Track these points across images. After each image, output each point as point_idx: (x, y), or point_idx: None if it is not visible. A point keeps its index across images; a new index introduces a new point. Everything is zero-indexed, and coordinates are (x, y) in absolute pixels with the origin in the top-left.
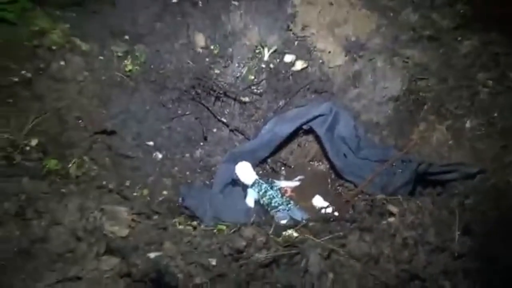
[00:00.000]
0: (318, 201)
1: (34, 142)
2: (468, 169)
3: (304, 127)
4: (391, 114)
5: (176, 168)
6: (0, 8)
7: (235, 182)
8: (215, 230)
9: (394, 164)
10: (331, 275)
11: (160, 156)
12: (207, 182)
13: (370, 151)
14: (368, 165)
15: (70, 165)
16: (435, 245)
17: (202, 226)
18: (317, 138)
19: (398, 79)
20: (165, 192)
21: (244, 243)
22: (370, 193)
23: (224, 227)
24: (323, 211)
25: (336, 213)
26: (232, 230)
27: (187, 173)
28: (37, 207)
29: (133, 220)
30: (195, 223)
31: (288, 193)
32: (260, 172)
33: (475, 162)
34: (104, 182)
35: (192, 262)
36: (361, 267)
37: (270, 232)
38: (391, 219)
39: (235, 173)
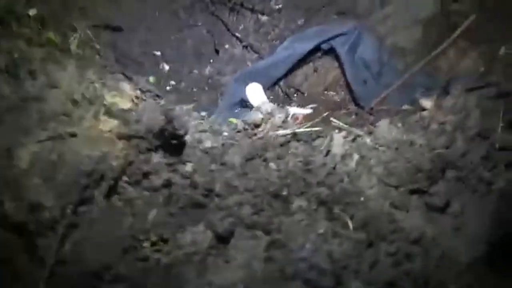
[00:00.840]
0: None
1: (32, 12)
2: None
3: (324, 46)
4: (419, 38)
5: (182, 84)
6: None
7: (244, 103)
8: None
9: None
10: (356, 156)
11: (167, 68)
12: (215, 102)
13: (393, 78)
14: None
15: (70, 40)
16: (476, 132)
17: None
18: (337, 59)
19: (430, 1)
20: (173, 82)
21: (261, 116)
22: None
23: (235, 120)
24: None
25: None
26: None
27: (194, 89)
28: (32, 67)
29: (136, 97)
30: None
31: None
32: (272, 97)
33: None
34: (107, 64)
35: (202, 130)
36: (391, 152)
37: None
38: (425, 113)
39: (245, 94)
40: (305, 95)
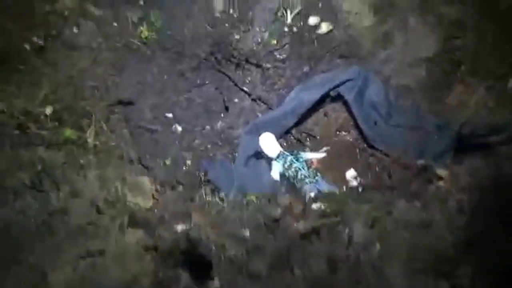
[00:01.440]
0: (352, 175)
1: (49, 110)
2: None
3: (332, 93)
4: (425, 76)
5: (196, 141)
6: None
7: (259, 154)
8: (244, 201)
9: (430, 130)
10: (377, 245)
11: (179, 128)
12: (229, 156)
13: (402, 117)
14: (400, 132)
15: (87, 133)
16: (496, 210)
17: (230, 198)
18: (346, 105)
19: (432, 39)
20: (188, 162)
21: (280, 211)
22: (406, 161)
23: (254, 197)
24: (355, 183)
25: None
26: (266, 199)
27: (208, 146)
28: (54, 177)
29: (156, 190)
30: (222, 194)
31: (315, 165)
32: (285, 143)
33: None
34: (124, 154)
35: (224, 234)
36: (411, 235)
37: (307, 200)
38: (441, 183)
39: (259, 145)
40: (318, 138)
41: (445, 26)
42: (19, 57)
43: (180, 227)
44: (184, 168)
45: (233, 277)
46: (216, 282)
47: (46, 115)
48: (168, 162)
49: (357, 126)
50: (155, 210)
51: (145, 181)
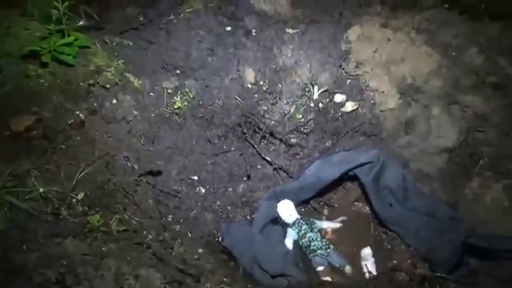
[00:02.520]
0: (367, 253)
1: (80, 195)
2: None
3: (350, 173)
4: (444, 166)
5: (218, 203)
6: (58, 51)
7: (276, 221)
8: None
9: (442, 219)
10: None
11: (203, 190)
12: (248, 218)
13: (418, 202)
14: (414, 216)
15: (112, 221)
16: None
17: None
18: (362, 186)
19: (454, 130)
20: (200, 251)
21: None
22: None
23: None
24: (369, 263)
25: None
26: None
27: (229, 207)
28: (76, 272)
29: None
30: (228, 280)
31: (329, 235)
32: (302, 210)
33: None
34: (144, 232)
35: None
36: None
37: None
38: None
39: (277, 211)
40: (335, 207)
41: (469, 118)
42: (61, 135)
43: None
44: (196, 257)
45: None
46: None
47: (77, 200)
48: (181, 249)
49: (371, 210)
50: None
51: (156, 278)
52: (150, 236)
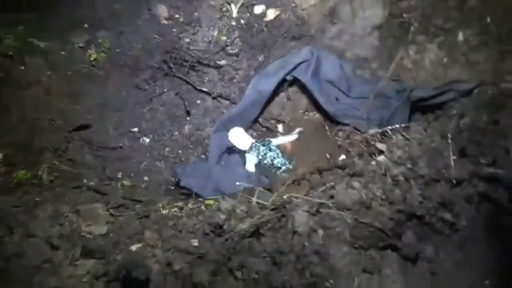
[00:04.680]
0: None
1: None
2: (464, 85)
3: (288, 77)
4: (377, 44)
5: (167, 149)
6: None
7: (231, 150)
8: (203, 206)
9: (389, 96)
10: (321, 232)
11: (147, 140)
12: (203, 156)
13: (363, 87)
14: (363, 103)
15: (40, 171)
16: (429, 177)
17: (190, 205)
18: (304, 87)
19: (378, 5)
20: (146, 178)
21: (223, 217)
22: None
23: (212, 202)
24: None
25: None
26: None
27: (180, 151)
28: (7, 222)
29: (111, 215)
30: (181, 203)
31: (289, 149)
32: (255, 134)
33: (472, 76)
34: (84, 181)
35: (171, 248)
36: (352, 216)
37: (253, 200)
38: (380, 158)
39: (229, 141)
40: (287, 122)
41: None
42: None
43: (134, 247)
44: (143, 185)
45: None
46: None
47: None
48: (126, 182)
49: (319, 107)
50: (111, 235)
51: (99, 207)
52: (91, 183)
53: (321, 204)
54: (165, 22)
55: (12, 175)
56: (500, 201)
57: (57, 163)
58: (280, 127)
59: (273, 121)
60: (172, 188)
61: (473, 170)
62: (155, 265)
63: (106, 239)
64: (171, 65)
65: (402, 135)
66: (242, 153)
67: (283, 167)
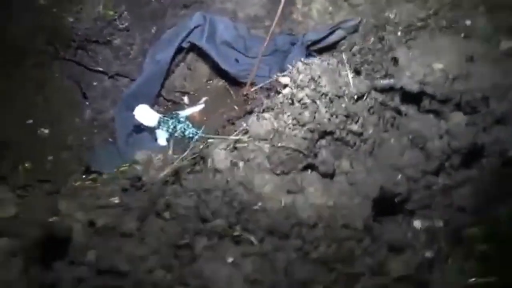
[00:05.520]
0: None
1: None
2: (350, 22)
3: (184, 45)
4: (266, 2)
5: (70, 138)
6: None
7: (139, 128)
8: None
9: (285, 49)
10: (241, 164)
11: (46, 131)
12: (110, 140)
13: (260, 46)
14: (262, 61)
15: None
16: (332, 94)
17: (104, 175)
18: (203, 55)
19: None
20: (50, 158)
21: (140, 168)
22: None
23: (128, 166)
24: None
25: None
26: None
27: (84, 138)
28: None
29: (18, 195)
30: (94, 175)
31: (197, 119)
32: (161, 109)
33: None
34: None
35: (94, 209)
36: (269, 144)
37: (170, 151)
38: (286, 90)
39: (136, 120)
40: (192, 93)
41: None
42: None
43: (52, 220)
44: (47, 165)
45: (106, 245)
46: (90, 254)
47: None
48: (28, 165)
49: (222, 71)
50: (21, 216)
51: (5, 190)
52: None
53: (237, 140)
54: (43, 1)
55: None
56: (397, 106)
57: None
58: (185, 99)
59: (177, 94)
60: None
61: (370, 85)
62: (76, 224)
63: (17, 220)
64: (57, 47)
65: (302, 62)
66: (151, 130)
67: (196, 136)
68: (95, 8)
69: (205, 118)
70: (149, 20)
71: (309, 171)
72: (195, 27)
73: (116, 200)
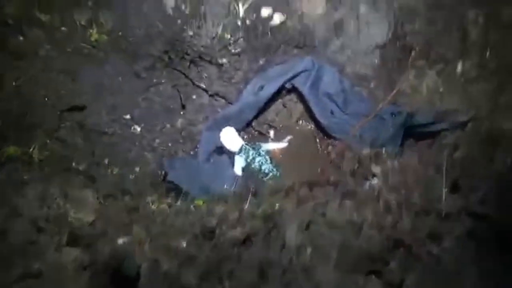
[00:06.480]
0: None
1: None
2: (459, 116)
3: (287, 85)
4: (378, 63)
5: (157, 140)
6: None
7: (221, 150)
8: (192, 206)
9: (384, 117)
10: (309, 248)
11: (138, 129)
12: (191, 153)
13: (359, 105)
14: (358, 120)
15: (31, 149)
16: (420, 207)
17: (179, 203)
18: (301, 97)
19: (383, 25)
20: (137, 169)
21: (215, 221)
22: (358, 149)
23: (202, 202)
24: None
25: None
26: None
27: (169, 144)
28: None
29: (100, 203)
30: (169, 200)
31: (277, 156)
32: (246, 136)
33: (468, 108)
34: (73, 164)
35: (160, 247)
36: (342, 236)
37: (246, 207)
38: (374, 181)
39: (220, 141)
40: (279, 128)
41: (396, 12)
42: None
43: (121, 241)
44: (131, 176)
45: None
46: None
47: None
48: (116, 170)
49: (314, 120)
50: (98, 225)
51: (88, 194)
52: (80, 167)
53: (312, 220)
54: (171, 11)
55: (2, 150)
56: (485, 241)
57: (48, 141)
58: (271, 133)
59: (265, 126)
60: (159, 180)
61: (463, 206)
62: (143, 263)
63: (93, 228)
64: (172, 57)
65: (399, 162)
66: (231, 154)
67: (270, 174)
68: (214, 28)
69: (281, 156)
70: (260, 51)
71: (373, 276)
72: (302, 71)
73: (183, 243)
